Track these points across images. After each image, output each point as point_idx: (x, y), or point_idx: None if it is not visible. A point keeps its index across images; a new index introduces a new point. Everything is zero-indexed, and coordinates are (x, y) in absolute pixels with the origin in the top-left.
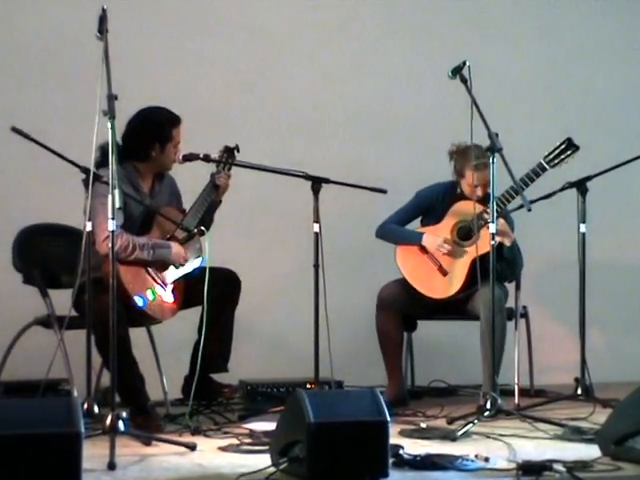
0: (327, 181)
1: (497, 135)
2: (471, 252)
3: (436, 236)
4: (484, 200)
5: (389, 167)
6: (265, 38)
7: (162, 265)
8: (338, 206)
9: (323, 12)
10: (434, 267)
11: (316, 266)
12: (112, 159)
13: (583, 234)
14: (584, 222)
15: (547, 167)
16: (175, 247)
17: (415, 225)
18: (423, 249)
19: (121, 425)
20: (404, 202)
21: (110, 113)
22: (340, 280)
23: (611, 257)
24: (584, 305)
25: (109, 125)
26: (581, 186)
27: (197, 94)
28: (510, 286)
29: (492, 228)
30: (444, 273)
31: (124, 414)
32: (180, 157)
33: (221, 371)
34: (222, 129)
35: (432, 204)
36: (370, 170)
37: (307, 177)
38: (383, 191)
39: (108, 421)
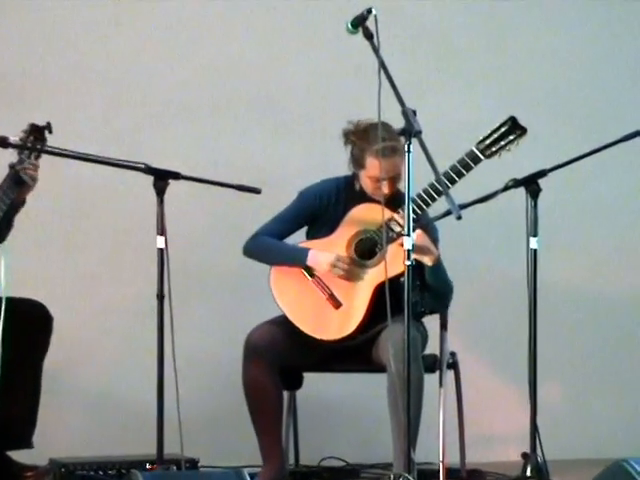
0: (177, 176)
1: (415, 113)
2: (376, 275)
3: (327, 252)
4: (395, 201)
5: (266, 159)
6: None
7: None
8: (194, 212)
9: None
10: (323, 296)
11: (160, 296)
12: None
13: (534, 251)
14: (535, 235)
15: (481, 157)
16: None
17: (300, 238)
18: (308, 271)
19: None
20: (284, 206)
21: None
22: (195, 316)
23: (571, 283)
24: (535, 351)
25: None
26: (531, 184)
27: None
28: (432, 323)
29: (407, 242)
30: (337, 305)
31: None
32: None
33: (23, 447)
34: (27, 101)
35: (321, 208)
36: (240, 163)
37: (148, 170)
38: (256, 191)
39: None
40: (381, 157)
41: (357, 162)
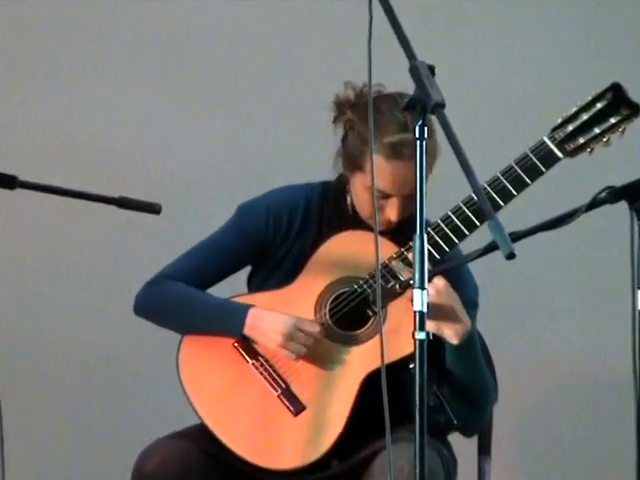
0: (12, 183)
1: (433, 71)
2: (366, 357)
3: (281, 314)
4: (403, 230)
5: (179, 155)
6: None
7: None
8: (59, 245)
9: None
10: (272, 393)
11: None
12: None
13: None
14: None
15: (559, 154)
16: None
17: (237, 287)
18: (247, 346)
19: None
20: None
21: None
22: (45, 427)
23: None
24: None
25: None
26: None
27: None
28: (466, 445)
29: (417, 300)
30: (297, 408)
31: None
32: None
33: None
34: None
35: (276, 236)
36: (131, 161)
37: None
38: (154, 209)
39: None
40: (395, 158)
41: (351, 159)
